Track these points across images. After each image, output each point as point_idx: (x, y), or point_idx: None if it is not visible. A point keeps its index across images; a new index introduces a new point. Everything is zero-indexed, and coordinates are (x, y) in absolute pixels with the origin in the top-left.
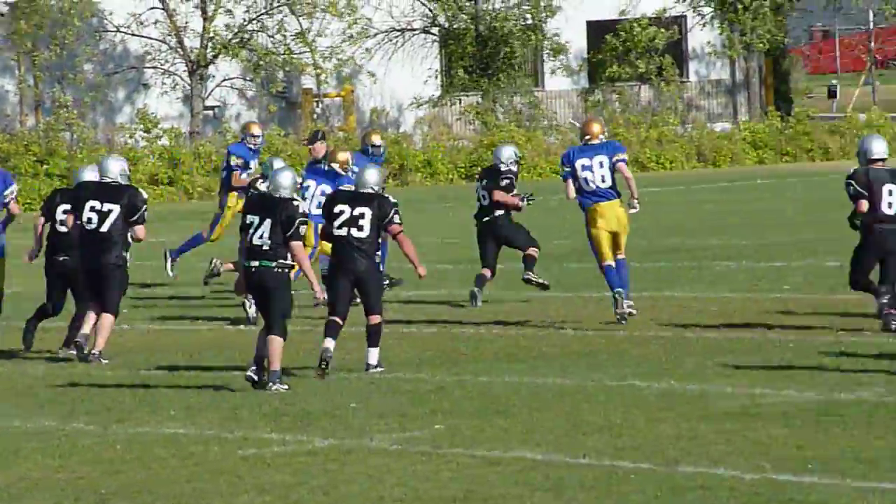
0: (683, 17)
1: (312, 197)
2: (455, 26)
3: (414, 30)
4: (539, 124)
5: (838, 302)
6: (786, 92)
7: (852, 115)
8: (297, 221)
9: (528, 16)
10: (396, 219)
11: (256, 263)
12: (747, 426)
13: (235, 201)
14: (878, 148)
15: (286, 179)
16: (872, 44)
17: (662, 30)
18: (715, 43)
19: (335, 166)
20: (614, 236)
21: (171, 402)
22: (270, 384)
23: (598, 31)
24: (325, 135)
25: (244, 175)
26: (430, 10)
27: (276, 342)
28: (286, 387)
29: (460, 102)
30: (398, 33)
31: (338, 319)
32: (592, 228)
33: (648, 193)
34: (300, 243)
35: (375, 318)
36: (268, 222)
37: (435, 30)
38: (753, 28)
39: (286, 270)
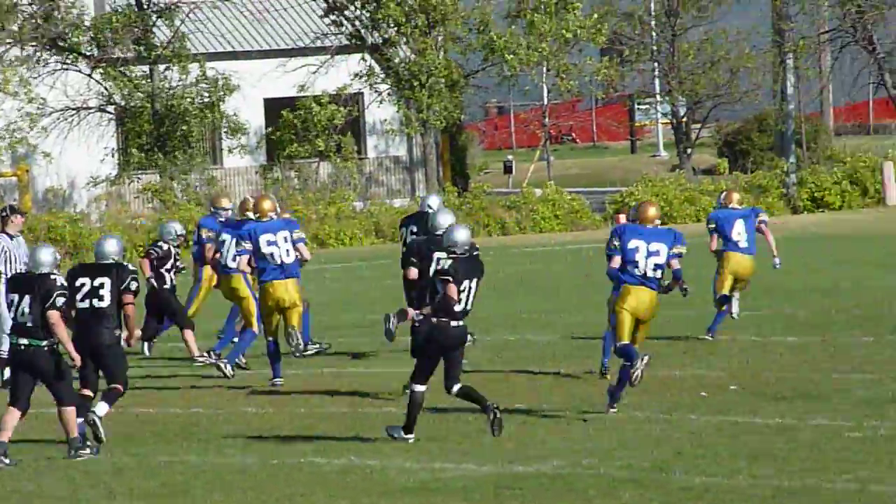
0: (360, 94)
1: (228, 249)
2: (131, 104)
3: (90, 108)
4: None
5: (516, 375)
6: (463, 168)
7: (528, 189)
8: (56, 295)
9: (206, 94)
10: (133, 286)
11: (26, 342)
12: (427, 500)
13: (210, 274)
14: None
15: (46, 256)
16: (547, 119)
17: (341, 108)
18: (392, 120)
19: (249, 214)
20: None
21: None
22: (74, 451)
23: (276, 108)
24: (16, 209)
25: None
26: (106, 89)
27: (69, 412)
28: (88, 451)
29: (138, 180)
30: (73, 112)
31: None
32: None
33: (330, 270)
34: (57, 313)
35: (118, 388)
36: (27, 299)
37: (111, 108)
38: (430, 105)
39: (56, 347)
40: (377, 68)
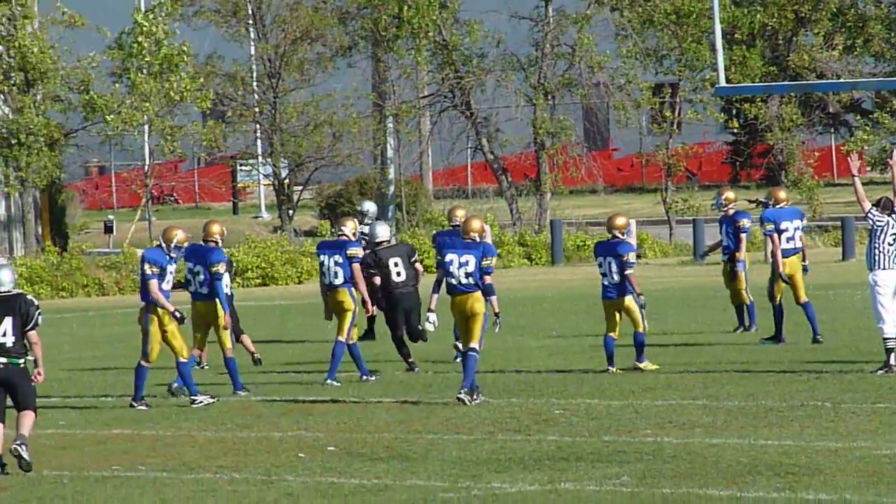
0: None
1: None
2: None
3: None
4: None
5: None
6: (62, 227)
7: (128, 249)
8: (36, 314)
9: None
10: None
11: (5, 360)
12: None
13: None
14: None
15: (5, 276)
16: (149, 179)
17: None
18: None
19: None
20: None
21: None
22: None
23: None
24: None
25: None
26: None
27: (30, 416)
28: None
29: None
30: None
31: None
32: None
33: None
34: (35, 332)
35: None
36: (8, 320)
37: None
38: (28, 164)
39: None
40: None
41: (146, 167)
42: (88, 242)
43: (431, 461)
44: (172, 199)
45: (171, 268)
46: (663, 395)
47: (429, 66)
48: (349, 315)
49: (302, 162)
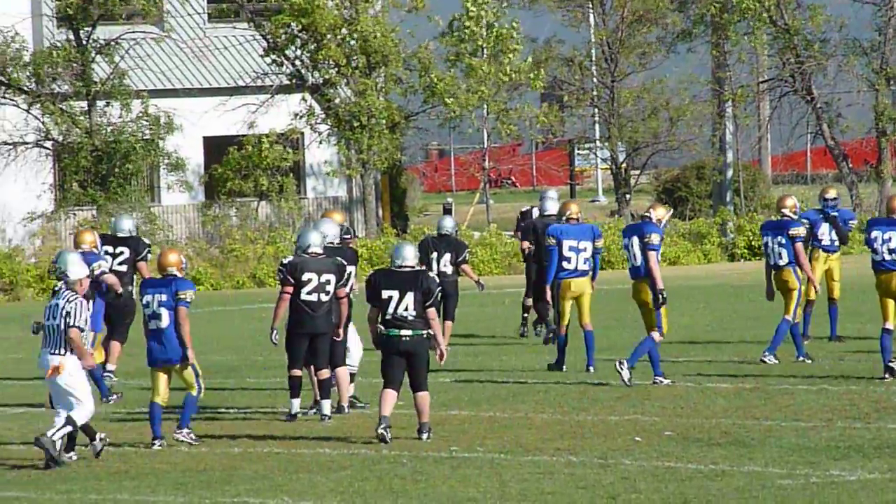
0: (301, 135)
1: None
2: (69, 140)
3: (27, 143)
4: (155, 239)
5: (451, 417)
6: (402, 209)
7: (467, 232)
8: (437, 291)
9: (147, 131)
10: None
11: (410, 333)
12: None
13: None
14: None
15: (408, 252)
16: (487, 162)
17: (290, 149)
18: (332, 160)
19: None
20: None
21: None
22: None
23: (216, 146)
24: None
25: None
26: (44, 124)
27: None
28: None
29: (75, 216)
30: (10, 147)
31: None
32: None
33: (265, 309)
34: (434, 310)
35: None
36: (410, 295)
37: (49, 143)
38: (370, 146)
39: None
40: (317, 108)
41: (484, 150)
42: (428, 225)
43: (769, 447)
44: (510, 182)
45: None
46: None
47: (768, 50)
48: (794, 294)
49: (639, 146)
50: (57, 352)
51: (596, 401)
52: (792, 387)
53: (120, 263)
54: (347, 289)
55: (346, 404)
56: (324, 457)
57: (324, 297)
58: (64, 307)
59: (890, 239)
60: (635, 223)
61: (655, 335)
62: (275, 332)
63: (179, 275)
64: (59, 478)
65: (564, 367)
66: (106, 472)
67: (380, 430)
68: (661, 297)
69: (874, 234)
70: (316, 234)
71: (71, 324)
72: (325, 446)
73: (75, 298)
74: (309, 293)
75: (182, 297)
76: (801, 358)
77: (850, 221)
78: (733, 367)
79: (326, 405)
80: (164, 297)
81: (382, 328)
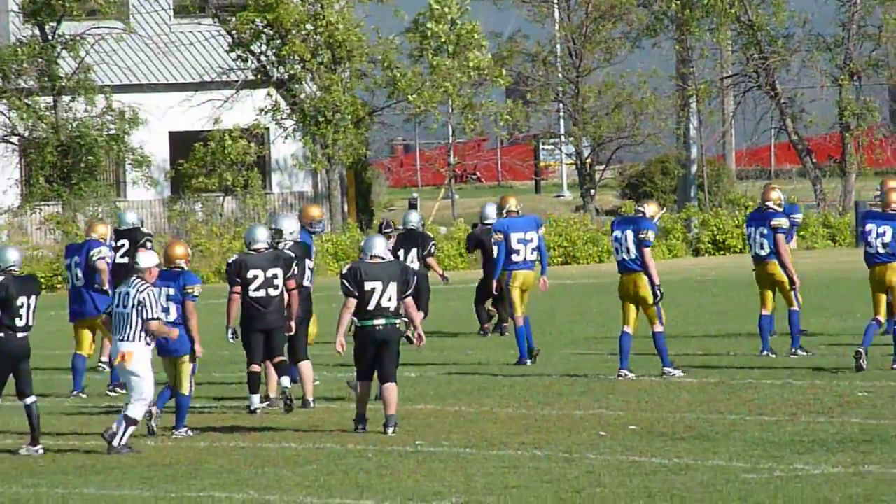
0: (266, 130)
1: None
2: (35, 135)
3: None
4: None
5: (417, 411)
6: (367, 204)
7: (432, 227)
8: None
9: (112, 126)
10: None
11: (383, 322)
12: None
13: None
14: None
15: (379, 245)
16: (452, 158)
17: (253, 144)
18: (298, 155)
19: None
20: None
21: None
22: None
23: (181, 141)
24: None
25: None
26: (10, 119)
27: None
28: None
29: (40, 211)
30: None
31: None
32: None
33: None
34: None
35: None
36: (392, 286)
37: (15, 139)
38: (335, 141)
39: None
40: (283, 104)
41: (449, 145)
42: (392, 220)
43: (733, 441)
44: (475, 177)
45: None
46: None
47: (732, 46)
48: (786, 285)
49: (603, 141)
50: (125, 338)
51: (561, 395)
52: (756, 381)
53: (122, 255)
54: (307, 282)
55: (311, 398)
56: (289, 451)
57: (273, 293)
58: (135, 296)
59: (884, 233)
60: (628, 216)
61: (658, 327)
62: (230, 330)
63: (186, 267)
64: (25, 472)
65: (529, 360)
66: (72, 467)
67: (360, 427)
68: (659, 291)
69: (868, 227)
70: (260, 230)
71: (147, 317)
72: (291, 440)
73: (146, 288)
74: (256, 290)
75: (190, 291)
76: (765, 353)
77: (794, 216)
78: (698, 361)
79: (286, 380)
80: (171, 291)
81: (356, 320)
